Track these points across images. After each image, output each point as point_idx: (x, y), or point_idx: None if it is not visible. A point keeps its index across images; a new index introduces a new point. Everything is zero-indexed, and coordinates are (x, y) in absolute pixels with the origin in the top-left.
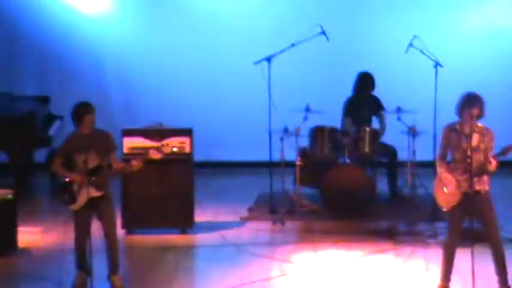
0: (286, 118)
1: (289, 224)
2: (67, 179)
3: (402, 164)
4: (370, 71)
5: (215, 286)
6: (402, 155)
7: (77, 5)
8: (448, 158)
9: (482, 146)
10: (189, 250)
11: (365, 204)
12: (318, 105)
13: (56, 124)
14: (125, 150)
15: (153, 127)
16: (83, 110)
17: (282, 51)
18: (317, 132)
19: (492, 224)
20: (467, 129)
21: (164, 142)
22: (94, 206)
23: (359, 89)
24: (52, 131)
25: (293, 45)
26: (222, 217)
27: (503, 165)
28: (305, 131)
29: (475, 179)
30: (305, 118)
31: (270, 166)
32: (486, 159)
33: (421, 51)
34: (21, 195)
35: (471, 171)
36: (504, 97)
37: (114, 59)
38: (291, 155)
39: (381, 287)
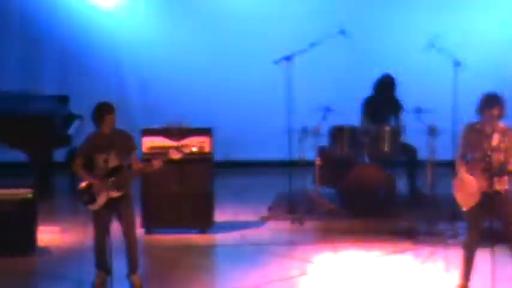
0: (305, 117)
1: (308, 224)
2: (86, 182)
3: (422, 164)
4: (389, 70)
5: (235, 286)
6: (422, 155)
7: (96, 0)
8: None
9: (502, 146)
10: (208, 250)
11: (384, 203)
12: (337, 105)
13: (76, 123)
14: (144, 150)
15: (172, 127)
16: (104, 110)
17: (301, 51)
18: (336, 132)
19: None
20: (488, 129)
21: (184, 142)
22: (114, 206)
23: (380, 90)
24: (72, 130)
25: (312, 44)
26: (242, 217)
27: None
28: (324, 131)
29: (495, 178)
30: (324, 117)
31: (290, 166)
32: (507, 159)
33: (441, 50)
34: (41, 194)
35: (491, 170)
36: None
37: (133, 58)
38: (311, 154)
39: (400, 287)
